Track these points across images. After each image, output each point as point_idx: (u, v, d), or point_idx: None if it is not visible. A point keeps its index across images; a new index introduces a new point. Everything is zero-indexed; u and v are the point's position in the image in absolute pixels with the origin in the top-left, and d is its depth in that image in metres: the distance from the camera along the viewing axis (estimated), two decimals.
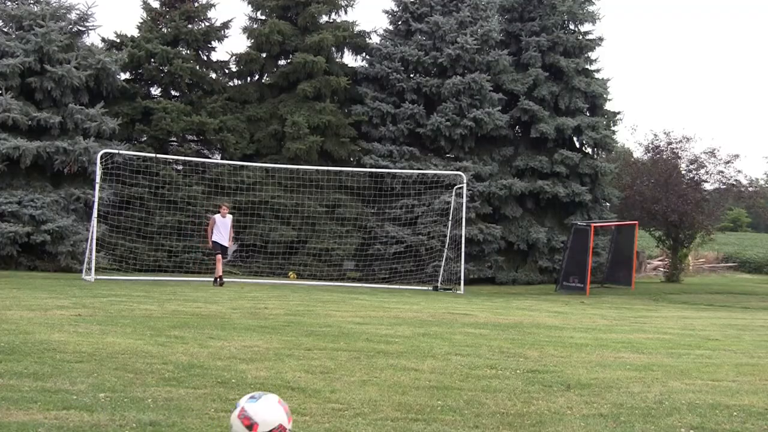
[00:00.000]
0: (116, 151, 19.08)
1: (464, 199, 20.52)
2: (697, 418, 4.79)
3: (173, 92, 23.73)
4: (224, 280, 17.01)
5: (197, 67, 23.47)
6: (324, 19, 24.83)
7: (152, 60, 22.86)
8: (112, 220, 19.52)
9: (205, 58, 24.57)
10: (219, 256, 16.92)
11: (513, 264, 25.00)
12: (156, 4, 24.00)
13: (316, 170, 22.09)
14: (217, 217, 16.91)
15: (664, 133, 28.88)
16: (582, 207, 25.36)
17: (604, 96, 26.22)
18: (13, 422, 3.94)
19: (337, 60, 25.17)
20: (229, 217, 17.03)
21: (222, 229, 16.78)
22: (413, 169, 23.16)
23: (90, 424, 4.02)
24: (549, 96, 25.22)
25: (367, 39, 25.42)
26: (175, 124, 22.10)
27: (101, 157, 17.70)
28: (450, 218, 21.05)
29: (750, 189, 30.93)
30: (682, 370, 6.68)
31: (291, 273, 21.90)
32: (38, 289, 12.65)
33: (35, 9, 20.94)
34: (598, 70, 26.71)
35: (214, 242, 16.84)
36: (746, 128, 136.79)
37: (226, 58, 28.90)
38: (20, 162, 19.16)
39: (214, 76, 24.52)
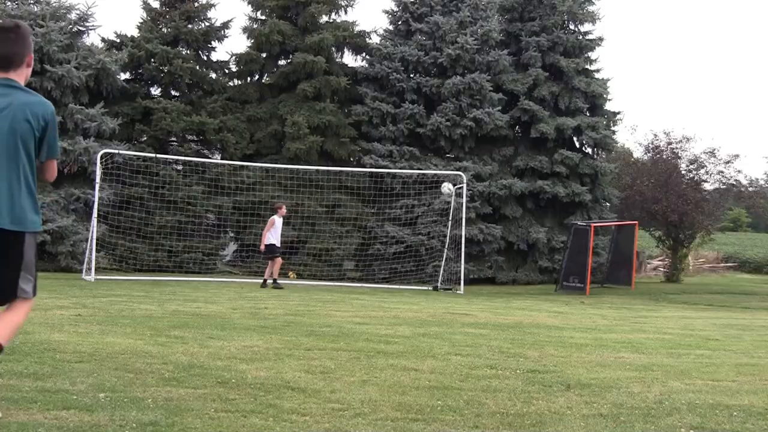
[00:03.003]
0: (116, 151, 19.08)
1: (464, 199, 20.52)
2: (697, 418, 4.79)
3: (173, 92, 23.73)
4: (278, 282, 16.57)
5: (197, 67, 23.46)
6: (324, 19, 24.83)
7: (152, 60, 22.86)
8: (112, 220, 19.52)
9: (205, 58, 24.57)
10: (279, 259, 16.71)
11: (513, 264, 24.99)
12: (156, 4, 24.00)
13: (316, 170, 22.09)
14: (276, 217, 16.65)
15: (664, 133, 28.91)
16: (582, 207, 25.35)
17: (604, 96, 26.22)
18: (13, 422, 3.94)
19: (337, 60, 25.17)
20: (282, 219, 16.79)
21: (277, 230, 16.55)
22: (413, 169, 23.16)
23: (90, 424, 4.02)
24: (549, 96, 25.22)
25: (367, 39, 25.42)
26: (175, 124, 22.10)
27: (101, 157, 17.70)
28: (450, 218, 21.05)
29: (750, 189, 30.95)
30: (682, 370, 6.68)
31: (291, 273, 21.90)
32: (38, 289, 12.62)
33: (35, 9, 20.93)
34: (598, 70, 26.73)
35: (271, 245, 16.51)
36: (746, 128, 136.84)
37: (226, 58, 28.90)
38: None
39: (214, 76, 24.51)
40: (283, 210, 16.76)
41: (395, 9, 25.71)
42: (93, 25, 22.14)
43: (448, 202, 21.37)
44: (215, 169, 22.12)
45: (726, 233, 40.16)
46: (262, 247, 16.69)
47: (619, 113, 27.09)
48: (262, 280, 16.88)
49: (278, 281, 16.64)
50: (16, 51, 3.88)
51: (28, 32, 3.97)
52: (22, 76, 3.93)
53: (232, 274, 20.83)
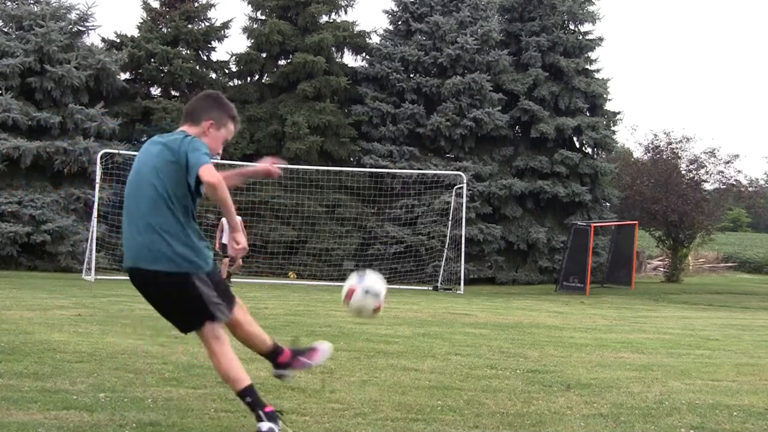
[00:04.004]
0: (116, 151, 19.09)
1: (464, 199, 20.52)
2: (697, 418, 4.79)
3: (173, 92, 23.73)
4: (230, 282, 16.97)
5: (197, 67, 23.47)
6: (324, 19, 24.84)
7: (152, 60, 22.87)
8: (112, 220, 19.51)
9: (205, 58, 24.58)
10: (226, 260, 16.89)
11: (513, 264, 24.99)
12: (156, 4, 24.01)
13: (316, 170, 22.10)
14: (224, 220, 16.84)
15: (664, 133, 28.89)
16: (582, 207, 25.36)
17: (604, 96, 26.23)
18: (13, 422, 3.94)
19: (337, 60, 25.17)
20: (237, 218, 16.91)
21: (227, 232, 16.71)
22: (413, 169, 23.16)
23: (90, 424, 4.02)
24: (549, 96, 25.22)
25: (367, 39, 25.42)
26: (175, 124, 22.06)
27: (101, 157, 17.70)
28: (450, 218, 21.05)
29: (750, 189, 30.94)
30: (682, 370, 6.68)
31: (291, 273, 21.91)
32: (38, 289, 12.65)
33: (35, 9, 20.95)
34: (598, 70, 26.74)
35: (223, 244, 16.79)
36: (746, 128, 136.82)
37: (226, 58, 28.93)
38: (20, 162, 19.17)
39: (214, 76, 24.53)
40: None
41: (395, 9, 25.71)
42: (93, 25, 22.21)
43: (448, 202, 21.35)
44: None
45: (726, 233, 40.16)
46: (218, 246, 17.03)
47: (619, 113, 27.14)
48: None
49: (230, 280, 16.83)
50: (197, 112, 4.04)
51: (219, 102, 4.07)
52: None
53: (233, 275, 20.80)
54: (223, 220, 16.92)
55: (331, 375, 5.69)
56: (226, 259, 16.98)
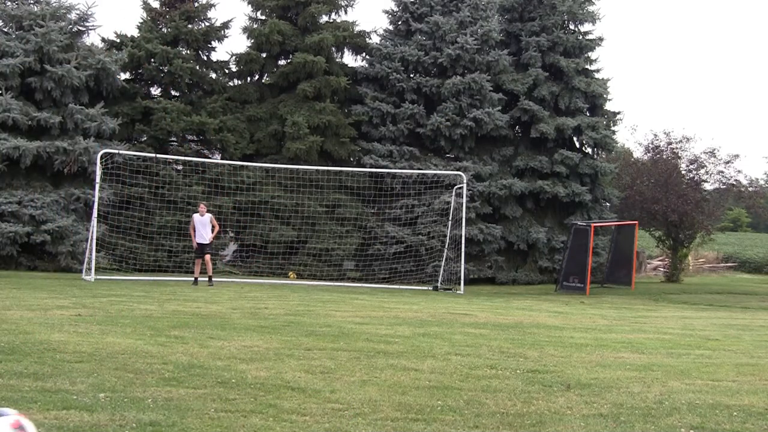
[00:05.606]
0: (116, 151, 19.08)
1: (464, 199, 20.52)
2: (697, 418, 4.79)
3: (173, 92, 23.71)
4: (213, 280, 16.82)
5: (197, 67, 23.45)
6: (324, 19, 24.82)
7: (152, 60, 22.85)
8: (112, 220, 19.53)
9: (205, 58, 24.55)
10: (198, 260, 16.82)
11: (513, 264, 24.98)
12: (156, 4, 23.99)
13: (316, 170, 22.09)
14: (196, 216, 16.86)
15: (664, 133, 28.87)
16: (582, 207, 25.35)
17: (604, 96, 26.21)
18: None
19: (337, 60, 25.15)
20: (208, 215, 16.94)
21: (201, 228, 16.70)
22: (413, 169, 23.16)
23: (90, 424, 4.02)
24: (549, 96, 25.21)
25: (367, 39, 25.40)
26: (175, 124, 22.09)
27: (101, 157, 17.71)
28: (450, 218, 21.05)
29: (750, 189, 30.92)
30: (682, 370, 6.68)
31: (291, 273, 21.90)
32: (38, 289, 12.65)
33: (35, 9, 20.94)
34: (598, 70, 26.71)
35: (198, 243, 16.77)
36: (746, 128, 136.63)
37: (226, 58, 28.88)
38: (20, 162, 19.17)
39: (214, 76, 24.50)
40: (202, 209, 16.92)
41: (395, 9, 25.70)
42: (93, 25, 22.17)
43: (448, 202, 21.35)
44: (215, 169, 22.11)
45: (726, 233, 40.16)
46: (194, 245, 17.01)
47: (619, 113, 27.11)
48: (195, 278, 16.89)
49: (199, 279, 16.72)
50: None
51: None
52: None
53: (232, 274, 20.81)
54: (195, 216, 16.89)
55: (331, 375, 5.70)
56: (208, 256, 16.90)
